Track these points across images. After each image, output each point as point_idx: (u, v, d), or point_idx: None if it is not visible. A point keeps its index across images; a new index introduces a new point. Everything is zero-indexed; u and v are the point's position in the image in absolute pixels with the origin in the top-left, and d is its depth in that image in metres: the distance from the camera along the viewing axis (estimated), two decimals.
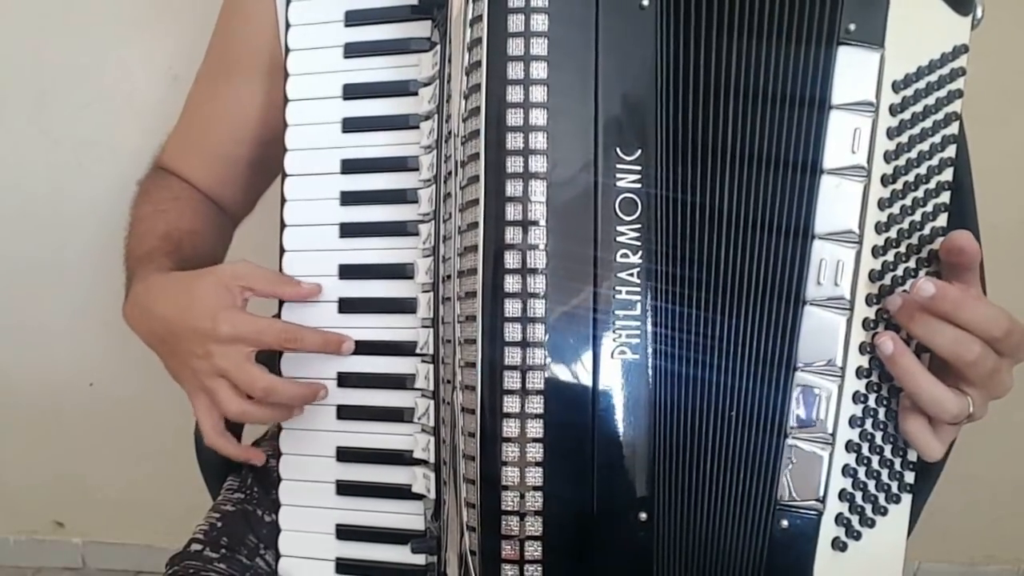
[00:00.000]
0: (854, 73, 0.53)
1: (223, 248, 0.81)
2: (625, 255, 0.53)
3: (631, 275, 0.53)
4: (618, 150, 0.53)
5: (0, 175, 1.38)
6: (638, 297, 0.53)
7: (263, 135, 0.76)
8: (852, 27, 0.53)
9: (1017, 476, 1.39)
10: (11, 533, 1.60)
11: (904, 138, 0.54)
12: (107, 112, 1.34)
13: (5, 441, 1.52)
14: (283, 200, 0.66)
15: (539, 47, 0.53)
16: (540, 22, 0.53)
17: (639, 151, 0.53)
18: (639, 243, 0.53)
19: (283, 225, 0.66)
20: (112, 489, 1.54)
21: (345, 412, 0.64)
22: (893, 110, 0.54)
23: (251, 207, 0.85)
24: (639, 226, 0.53)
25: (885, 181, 0.54)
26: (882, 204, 0.54)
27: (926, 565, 1.49)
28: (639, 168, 0.53)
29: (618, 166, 0.53)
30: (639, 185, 0.53)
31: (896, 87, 0.54)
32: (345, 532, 0.65)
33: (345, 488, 0.65)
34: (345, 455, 0.65)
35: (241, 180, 0.81)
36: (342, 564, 0.65)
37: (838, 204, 0.53)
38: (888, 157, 0.54)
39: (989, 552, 1.49)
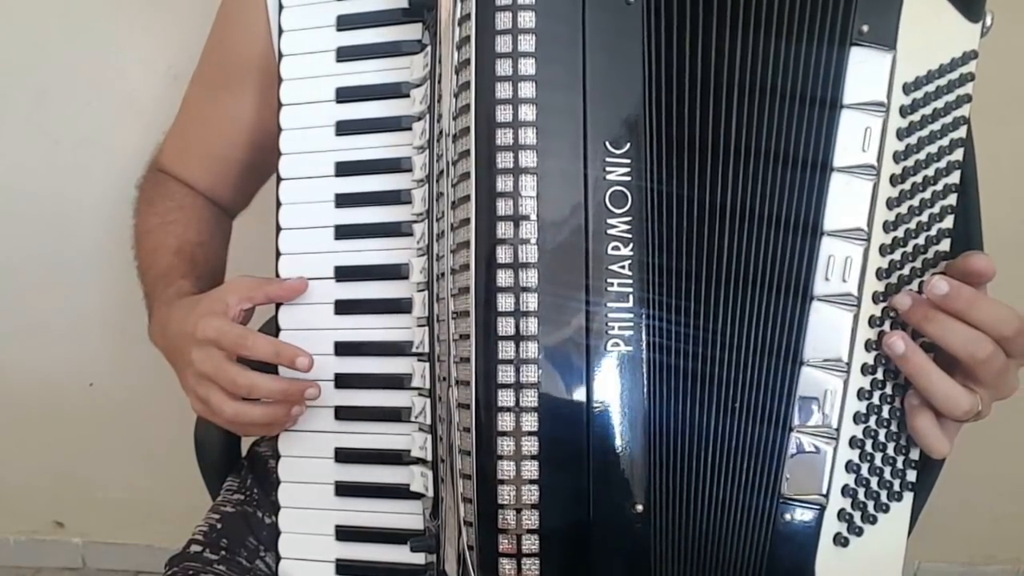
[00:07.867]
0: (866, 73, 0.54)
1: (226, 248, 0.83)
2: (616, 247, 0.53)
3: (623, 267, 0.53)
4: (607, 143, 0.53)
5: (0, 175, 1.38)
6: (630, 289, 0.53)
7: (257, 139, 0.78)
8: (865, 28, 0.54)
9: (1017, 476, 1.39)
10: (11, 533, 1.60)
11: (913, 139, 0.54)
12: (107, 112, 1.34)
13: (5, 441, 1.52)
14: (278, 204, 0.66)
15: (527, 44, 0.53)
16: (527, 19, 0.53)
17: (628, 144, 0.53)
18: (630, 235, 0.53)
19: (279, 229, 0.66)
20: (112, 489, 1.54)
21: (343, 413, 0.65)
22: (903, 111, 0.54)
23: (247, 202, 0.87)
24: (630, 218, 0.53)
25: (894, 181, 0.54)
26: (890, 203, 0.54)
27: (926, 565, 1.49)
28: (628, 161, 0.53)
29: (607, 159, 0.53)
30: (629, 178, 0.53)
31: (907, 89, 0.54)
32: (344, 533, 0.65)
33: (344, 489, 0.65)
34: (343, 456, 0.65)
35: (236, 180, 0.82)
36: (342, 565, 0.65)
37: (848, 202, 0.54)
38: (897, 157, 0.54)
39: (989, 552, 1.48)
